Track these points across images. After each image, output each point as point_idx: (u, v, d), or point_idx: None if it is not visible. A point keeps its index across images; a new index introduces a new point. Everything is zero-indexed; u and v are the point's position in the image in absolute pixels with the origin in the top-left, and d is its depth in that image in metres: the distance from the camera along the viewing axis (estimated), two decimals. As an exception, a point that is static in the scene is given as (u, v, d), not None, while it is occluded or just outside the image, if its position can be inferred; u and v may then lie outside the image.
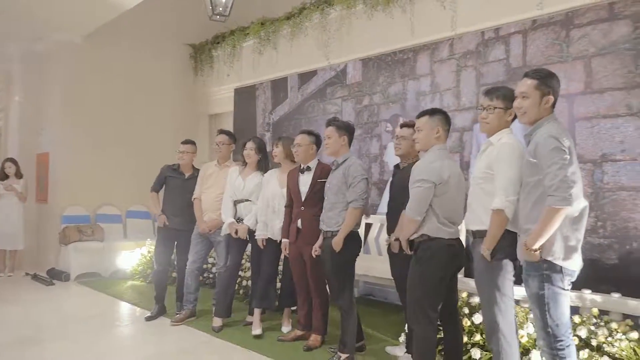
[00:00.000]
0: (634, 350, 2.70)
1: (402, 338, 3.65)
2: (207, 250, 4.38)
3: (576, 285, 2.52)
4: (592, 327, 2.97)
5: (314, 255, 3.48)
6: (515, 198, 2.37)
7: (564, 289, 2.15)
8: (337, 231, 3.25)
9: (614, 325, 2.94)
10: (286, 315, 4.10)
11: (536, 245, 2.13)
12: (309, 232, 3.55)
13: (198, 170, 4.56)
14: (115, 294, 5.41)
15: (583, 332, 2.92)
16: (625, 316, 3.13)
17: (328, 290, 3.65)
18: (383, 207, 4.64)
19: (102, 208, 6.80)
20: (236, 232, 4.00)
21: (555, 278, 2.14)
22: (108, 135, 6.82)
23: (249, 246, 4.19)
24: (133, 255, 6.22)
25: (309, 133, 3.70)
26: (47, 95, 6.95)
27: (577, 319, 3.03)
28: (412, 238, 2.82)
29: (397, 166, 3.38)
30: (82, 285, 5.86)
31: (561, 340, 2.15)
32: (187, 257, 4.35)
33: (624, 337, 2.80)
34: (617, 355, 2.75)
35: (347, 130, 3.42)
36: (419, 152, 2.97)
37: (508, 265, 2.45)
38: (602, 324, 3.00)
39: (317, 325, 3.65)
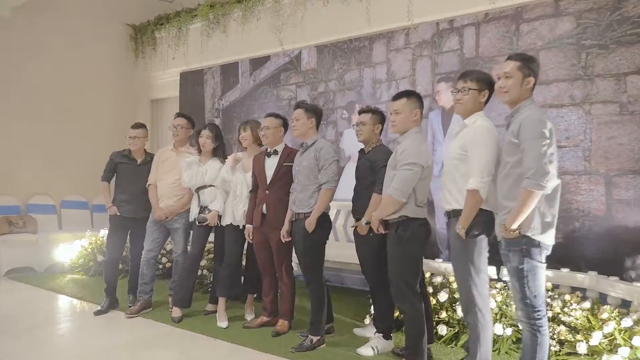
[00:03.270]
0: (587, 319, 2.94)
1: (368, 320, 3.73)
2: (164, 238, 4.19)
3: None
4: (548, 300, 3.20)
5: (283, 241, 3.45)
6: (490, 179, 2.48)
7: (541, 262, 2.29)
8: (309, 213, 3.25)
9: (567, 297, 3.18)
10: (249, 303, 4.03)
11: (515, 225, 2.25)
12: (274, 216, 3.51)
13: (151, 155, 4.35)
14: (55, 289, 5.03)
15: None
16: (574, 289, 3.41)
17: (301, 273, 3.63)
18: (340, 193, 4.67)
19: (34, 198, 6.28)
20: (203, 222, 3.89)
21: (534, 252, 2.27)
22: (40, 119, 6.30)
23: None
24: (72, 248, 5.82)
25: (276, 116, 3.64)
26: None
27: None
28: (387, 218, 2.88)
29: (362, 151, 3.41)
30: (15, 281, 5.39)
31: (539, 310, 2.30)
32: (142, 246, 4.14)
33: (578, 307, 3.04)
34: (572, 324, 2.98)
35: (315, 112, 3.41)
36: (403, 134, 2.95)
37: (483, 242, 2.56)
38: (556, 296, 3.25)
39: (284, 311, 3.62)
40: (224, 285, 3.81)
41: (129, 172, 4.25)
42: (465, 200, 2.52)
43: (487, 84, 2.64)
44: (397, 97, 2.93)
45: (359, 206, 3.28)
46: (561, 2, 4.05)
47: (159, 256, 5.10)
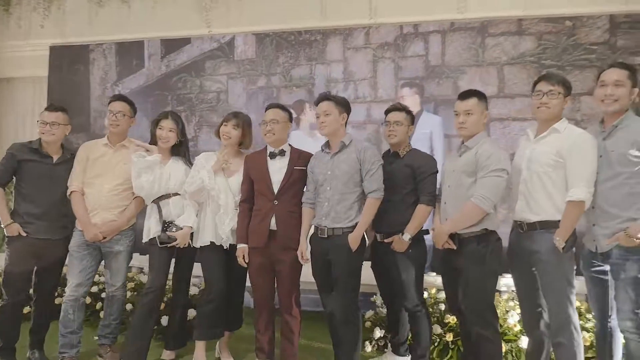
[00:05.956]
0: None
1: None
2: (96, 266, 3.01)
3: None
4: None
5: (302, 263, 2.77)
6: (593, 189, 2.35)
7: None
8: (349, 227, 2.66)
9: None
10: (225, 344, 3.15)
11: None
12: (287, 233, 2.80)
13: (71, 151, 3.11)
14: None
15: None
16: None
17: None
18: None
19: None
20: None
21: (655, 260, 2.22)
22: None
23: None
24: None
25: (283, 108, 2.96)
26: None
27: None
28: (461, 232, 2.52)
29: (392, 154, 2.95)
30: None
31: (649, 320, 2.25)
32: (56, 279, 2.92)
33: None
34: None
35: (347, 107, 2.83)
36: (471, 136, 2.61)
37: (573, 256, 2.44)
38: None
39: (290, 352, 2.88)
40: (205, 325, 2.89)
41: (40, 174, 2.95)
42: (566, 211, 2.36)
43: (569, 90, 2.53)
44: (466, 95, 2.61)
45: (394, 219, 2.81)
46: (524, 21, 4.25)
47: (58, 289, 3.68)
